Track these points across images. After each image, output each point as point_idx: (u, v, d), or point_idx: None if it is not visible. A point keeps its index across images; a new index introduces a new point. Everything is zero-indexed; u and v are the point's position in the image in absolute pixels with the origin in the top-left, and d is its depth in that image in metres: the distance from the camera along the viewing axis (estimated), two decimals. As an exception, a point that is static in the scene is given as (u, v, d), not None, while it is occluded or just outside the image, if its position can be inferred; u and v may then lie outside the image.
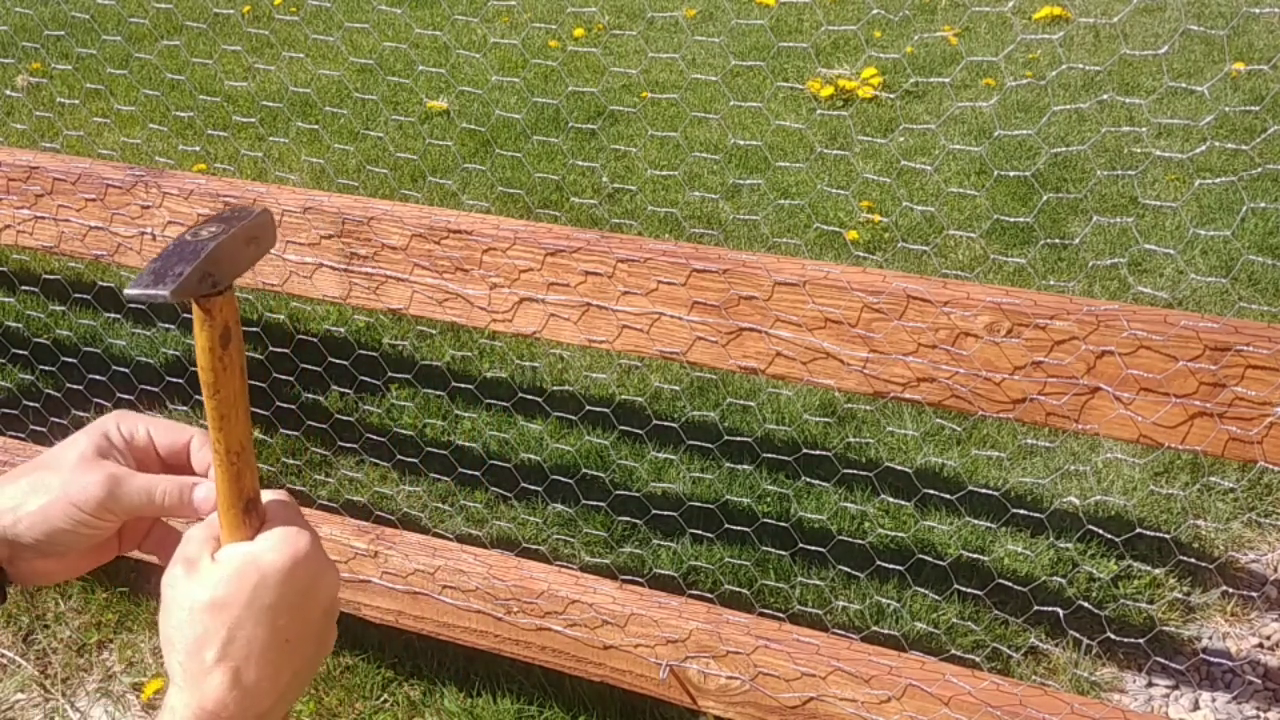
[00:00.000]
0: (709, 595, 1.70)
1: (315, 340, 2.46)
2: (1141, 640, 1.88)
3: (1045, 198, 3.30)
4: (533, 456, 2.27)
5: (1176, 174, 3.49)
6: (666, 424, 2.32)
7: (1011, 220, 3.08)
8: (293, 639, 0.67)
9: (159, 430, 0.77)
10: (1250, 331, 1.06)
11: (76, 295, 2.76)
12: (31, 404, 2.28)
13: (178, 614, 0.65)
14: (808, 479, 2.17)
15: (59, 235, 1.57)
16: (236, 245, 0.69)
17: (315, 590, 0.69)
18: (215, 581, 0.66)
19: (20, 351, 2.51)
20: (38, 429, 2.19)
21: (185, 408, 2.36)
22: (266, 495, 0.71)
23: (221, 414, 0.69)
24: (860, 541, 2.00)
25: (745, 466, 2.21)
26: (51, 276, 2.87)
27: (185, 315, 2.58)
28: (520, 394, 2.35)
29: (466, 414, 2.38)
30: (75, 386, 2.23)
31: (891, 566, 1.90)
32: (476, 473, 2.12)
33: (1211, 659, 1.89)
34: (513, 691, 1.80)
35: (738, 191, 3.39)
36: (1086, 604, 1.93)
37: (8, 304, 2.79)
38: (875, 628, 1.85)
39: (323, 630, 0.70)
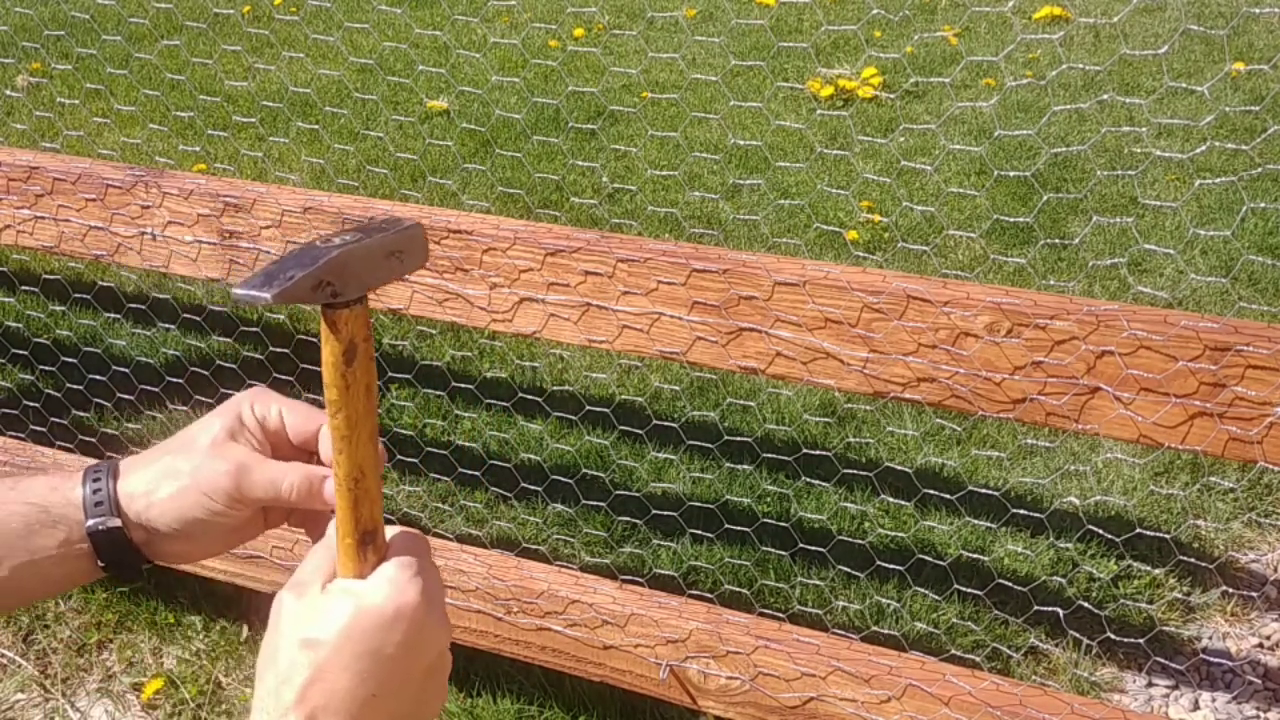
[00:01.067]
0: (709, 595, 1.70)
1: (315, 340, 2.45)
2: (1141, 640, 1.88)
3: (1045, 198, 3.30)
4: (533, 456, 2.27)
5: (1176, 174, 3.49)
6: (666, 424, 2.31)
7: (1011, 220, 3.08)
8: (380, 694, 0.63)
9: (292, 413, 0.75)
10: (1250, 331, 1.06)
11: (76, 295, 2.76)
12: (31, 404, 2.28)
13: (272, 643, 0.63)
14: (808, 479, 2.17)
15: (59, 235, 1.57)
16: (371, 256, 0.64)
17: (417, 645, 0.63)
18: (314, 616, 0.62)
19: (20, 351, 2.51)
20: (38, 429, 2.19)
21: (185, 408, 2.36)
22: (392, 529, 0.67)
23: (342, 435, 0.64)
24: (860, 541, 2.00)
25: (745, 466, 2.21)
26: (51, 276, 2.87)
27: (185, 315, 2.59)
28: (520, 394, 2.35)
29: (466, 414, 2.38)
30: (75, 386, 2.23)
31: (891, 566, 1.90)
32: (476, 473, 2.12)
33: (1211, 659, 1.89)
34: (513, 691, 1.80)
35: (738, 191, 3.39)
36: (1086, 604, 1.93)
37: (8, 304, 2.79)
38: (875, 628, 1.85)
39: (422, 690, 0.65)
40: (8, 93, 4.22)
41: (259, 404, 0.75)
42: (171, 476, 0.72)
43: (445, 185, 3.38)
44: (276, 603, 0.64)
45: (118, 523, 0.72)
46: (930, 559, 1.91)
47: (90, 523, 0.72)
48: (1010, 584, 1.89)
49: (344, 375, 0.63)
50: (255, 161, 3.54)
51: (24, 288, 2.79)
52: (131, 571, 0.75)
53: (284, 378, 2.29)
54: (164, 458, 0.73)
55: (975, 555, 2.02)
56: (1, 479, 0.74)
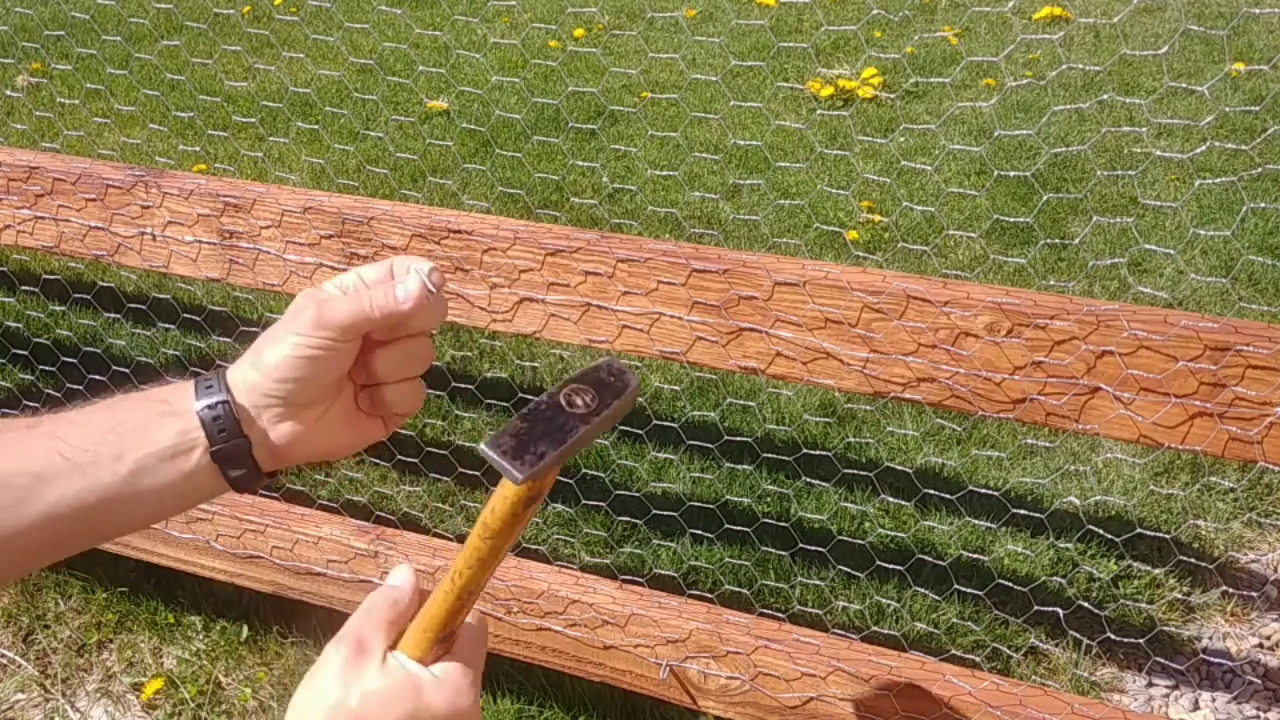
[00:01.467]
0: (709, 595, 1.70)
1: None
2: (1141, 640, 1.88)
3: (1045, 198, 3.30)
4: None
5: (1176, 174, 3.49)
6: (666, 424, 2.31)
7: (1011, 220, 3.08)
8: None
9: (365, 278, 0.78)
10: (1250, 331, 1.06)
11: (76, 295, 2.76)
12: (31, 404, 2.28)
13: (318, 694, 0.64)
14: (808, 479, 2.17)
15: (59, 235, 1.57)
16: (601, 427, 0.66)
17: None
18: (370, 691, 0.64)
19: (20, 351, 2.51)
20: (38, 429, 2.18)
21: (185, 408, 2.36)
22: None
23: (482, 558, 0.66)
24: (860, 541, 2.00)
25: (745, 466, 2.21)
26: (51, 276, 2.87)
27: (185, 315, 2.59)
28: (520, 394, 2.35)
29: (466, 414, 2.38)
30: (75, 386, 2.23)
31: (891, 566, 1.90)
32: (476, 473, 2.12)
33: (1211, 659, 1.89)
34: (513, 691, 1.80)
35: (738, 191, 3.39)
36: (1086, 604, 1.93)
37: (8, 304, 2.79)
38: (875, 628, 1.85)
39: None
40: (8, 93, 4.22)
41: (329, 283, 0.79)
42: (264, 340, 0.75)
43: (445, 185, 3.38)
44: (331, 653, 0.66)
45: (224, 397, 0.74)
46: (930, 559, 1.91)
47: (199, 404, 0.74)
48: (1010, 584, 1.89)
49: (517, 515, 0.66)
50: (255, 161, 3.54)
51: (24, 288, 2.79)
52: (242, 465, 0.76)
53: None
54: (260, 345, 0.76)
55: (975, 555, 2.02)
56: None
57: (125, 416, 0.74)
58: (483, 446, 0.64)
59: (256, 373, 0.75)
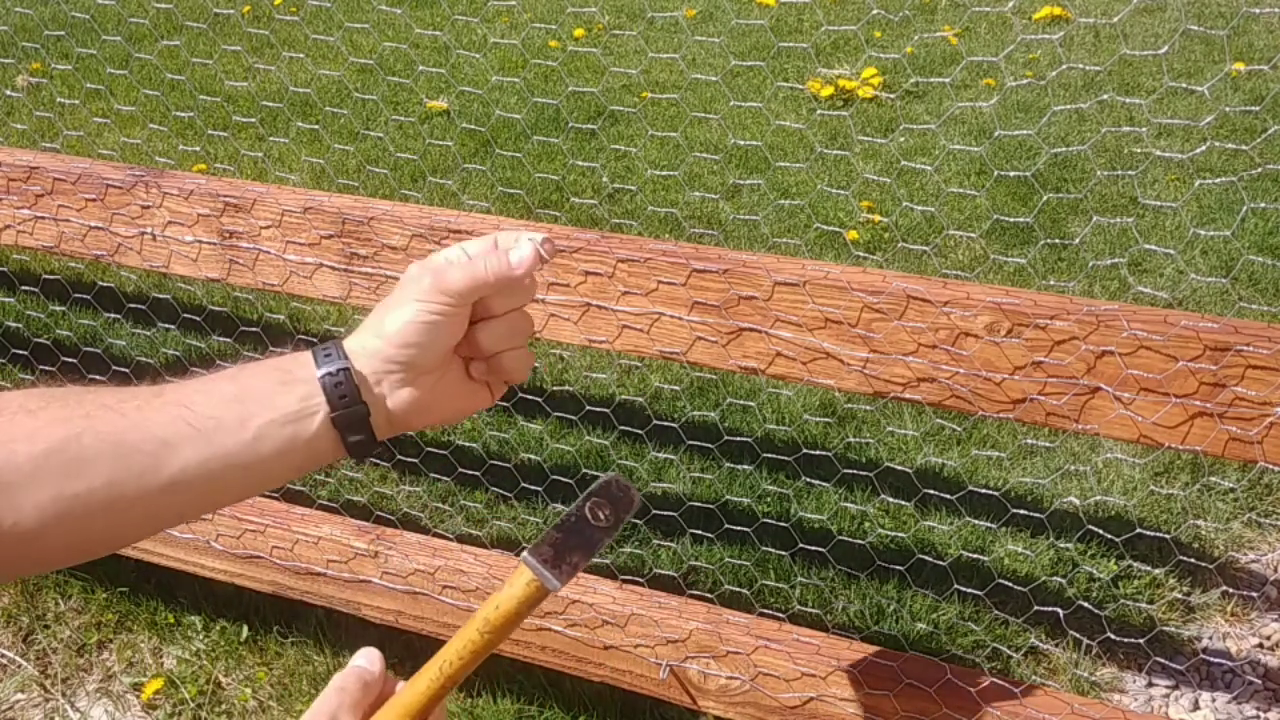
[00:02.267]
0: (709, 595, 1.70)
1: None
2: (1141, 640, 1.88)
3: (1045, 198, 3.30)
4: (533, 456, 2.27)
5: (1176, 174, 3.49)
6: (666, 424, 2.31)
7: (1011, 220, 3.08)
8: None
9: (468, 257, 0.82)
10: (1250, 331, 1.06)
11: (76, 295, 2.76)
12: (31, 404, 2.27)
13: None
14: (808, 479, 2.17)
15: (59, 235, 1.57)
16: (612, 536, 0.76)
17: None
18: None
19: (20, 351, 2.51)
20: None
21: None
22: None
23: (476, 651, 0.75)
24: (860, 541, 2.00)
25: (745, 466, 2.21)
26: (51, 276, 2.87)
27: (185, 315, 2.59)
28: (520, 394, 2.35)
29: (466, 414, 2.38)
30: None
31: (891, 566, 1.90)
32: (476, 473, 2.12)
33: (1211, 659, 1.89)
34: (513, 691, 1.80)
35: (738, 191, 3.39)
36: (1086, 604, 1.93)
37: (8, 304, 2.79)
38: (875, 628, 1.85)
39: None
40: (8, 93, 4.22)
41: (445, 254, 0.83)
42: (383, 309, 0.80)
43: (445, 185, 3.38)
44: (325, 710, 0.70)
45: (344, 364, 0.78)
46: (930, 559, 1.91)
47: (321, 371, 0.78)
48: (1010, 584, 1.89)
49: (520, 616, 0.74)
50: (255, 161, 3.54)
51: (24, 288, 2.79)
52: (360, 431, 0.79)
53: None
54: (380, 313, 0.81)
55: (975, 555, 2.02)
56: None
57: (248, 384, 0.77)
58: (526, 556, 0.73)
59: (379, 340, 0.78)
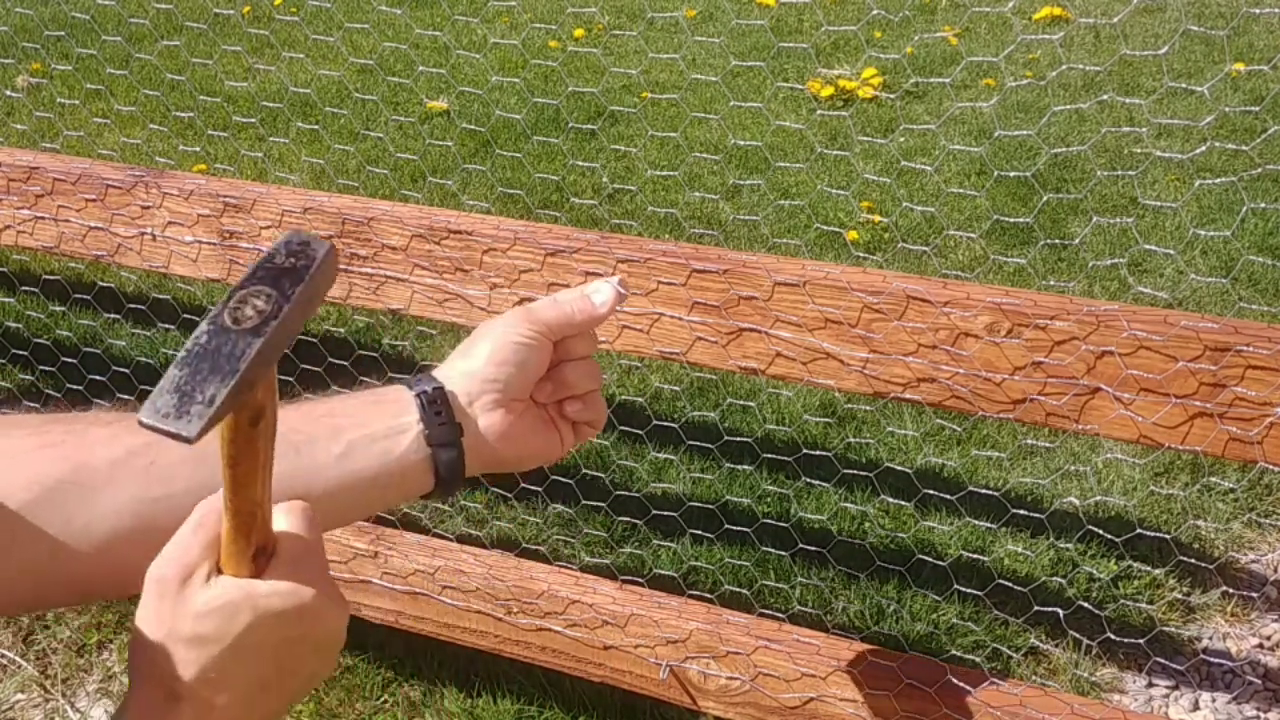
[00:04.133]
0: (709, 595, 1.70)
1: (315, 340, 2.46)
2: (1141, 640, 1.88)
3: (1045, 198, 3.30)
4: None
5: (1176, 174, 3.49)
6: (666, 424, 2.31)
7: (1011, 220, 3.08)
8: (274, 685, 0.62)
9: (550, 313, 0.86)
10: (1250, 332, 1.06)
11: (76, 295, 2.76)
12: (31, 404, 2.28)
13: (152, 628, 0.60)
14: (808, 479, 2.17)
15: (59, 235, 1.57)
16: (293, 320, 0.55)
17: (313, 635, 0.63)
18: (201, 613, 0.60)
19: (20, 352, 2.51)
20: (38, 429, 2.18)
21: (185, 408, 2.36)
22: (281, 515, 0.64)
23: (237, 482, 0.60)
24: (860, 541, 2.00)
25: (745, 466, 2.21)
26: (51, 276, 2.87)
27: (185, 315, 2.59)
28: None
29: (466, 414, 2.38)
30: (75, 387, 2.23)
31: (891, 567, 1.90)
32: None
33: (1211, 659, 1.89)
34: (513, 692, 1.80)
35: (738, 191, 3.39)
36: (1086, 604, 1.93)
37: (8, 304, 2.79)
38: (875, 628, 1.85)
39: (315, 669, 0.66)
40: (8, 93, 4.22)
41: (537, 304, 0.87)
42: (473, 339, 0.83)
43: (445, 185, 3.38)
44: (158, 577, 0.60)
45: (438, 383, 0.80)
46: (930, 559, 1.91)
47: (415, 390, 0.80)
48: (1010, 584, 1.89)
49: (248, 436, 0.58)
50: (255, 162, 3.53)
51: (24, 288, 2.79)
52: (453, 447, 0.79)
53: (284, 378, 2.29)
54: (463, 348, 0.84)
55: (975, 555, 2.02)
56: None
57: (339, 404, 0.79)
58: (141, 419, 0.53)
59: (473, 361, 0.81)
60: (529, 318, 0.82)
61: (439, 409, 0.78)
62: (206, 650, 0.60)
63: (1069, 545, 2.02)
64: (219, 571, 0.61)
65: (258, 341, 0.53)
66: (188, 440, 0.52)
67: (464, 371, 0.81)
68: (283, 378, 2.20)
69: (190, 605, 0.60)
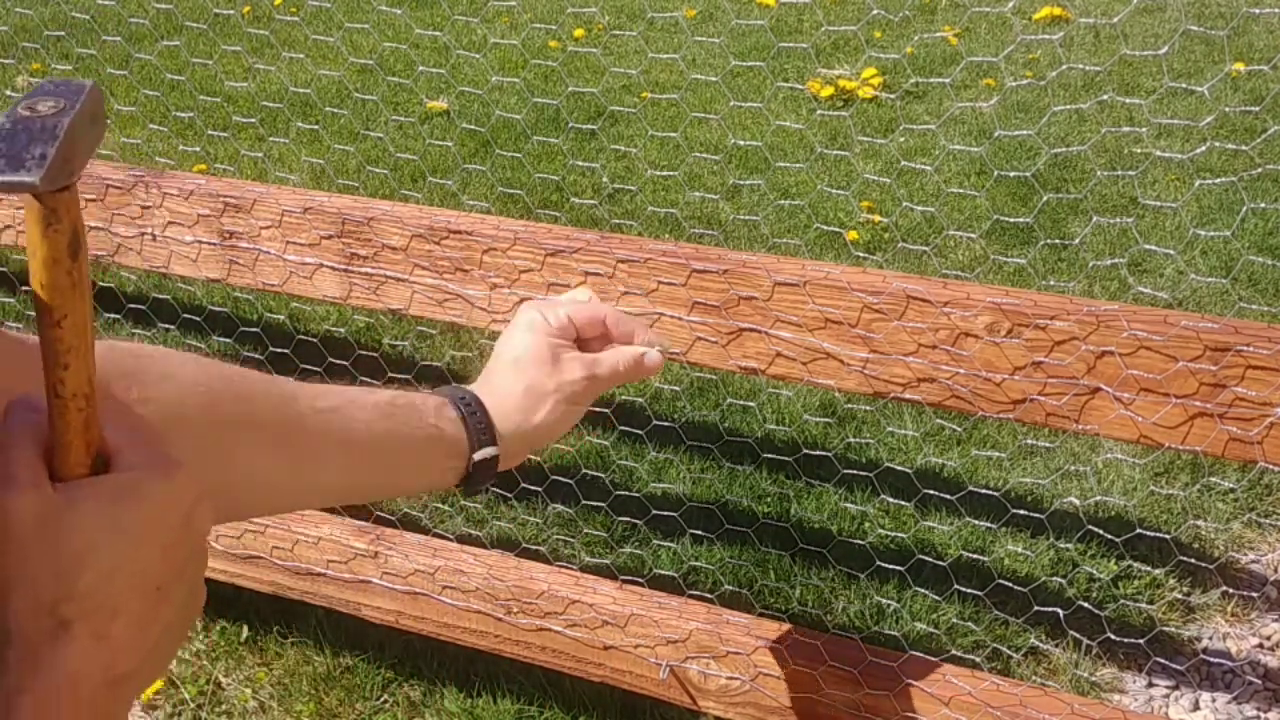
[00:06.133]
0: (709, 595, 1.70)
1: (315, 340, 2.45)
2: (1141, 640, 1.88)
3: (1045, 198, 3.30)
4: (532, 457, 2.27)
5: (1176, 174, 3.49)
6: (666, 424, 2.31)
7: (1011, 220, 3.08)
8: (165, 585, 0.53)
9: (575, 313, 0.99)
10: (1250, 332, 1.06)
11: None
12: (31, 404, 2.27)
13: (21, 555, 0.50)
14: (808, 479, 2.17)
15: (59, 235, 1.57)
16: (84, 125, 0.52)
17: (190, 523, 0.55)
18: (70, 526, 0.50)
19: (20, 352, 2.51)
20: (38, 429, 2.18)
21: (185, 408, 2.36)
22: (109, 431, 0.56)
23: (68, 346, 0.54)
24: (860, 542, 2.00)
25: (745, 466, 2.21)
26: (51, 277, 2.87)
27: (185, 315, 2.58)
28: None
29: (466, 414, 2.38)
30: (75, 387, 2.22)
31: (891, 567, 1.90)
32: (476, 473, 2.12)
33: (1211, 659, 1.89)
34: (513, 692, 1.80)
35: (738, 191, 3.39)
36: (1086, 604, 1.93)
37: (8, 304, 2.78)
38: (875, 628, 1.85)
39: (195, 578, 0.56)
40: (8, 93, 4.22)
41: (549, 313, 0.97)
42: (532, 397, 0.95)
43: (445, 185, 3.38)
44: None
45: (473, 389, 0.94)
46: (930, 559, 1.91)
47: (455, 394, 0.91)
48: (1010, 584, 1.89)
49: (69, 273, 0.54)
50: (255, 162, 3.53)
51: (24, 288, 2.79)
52: (482, 419, 0.91)
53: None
54: (519, 381, 0.95)
55: (975, 555, 2.02)
56: None
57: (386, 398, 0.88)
58: None
59: (524, 423, 0.94)
60: (591, 386, 0.96)
61: (468, 401, 0.90)
62: (92, 561, 0.50)
63: (1069, 545, 2.02)
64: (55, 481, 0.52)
65: (65, 119, 0.50)
66: (34, 185, 0.48)
67: (515, 430, 0.93)
68: (283, 378, 2.17)
69: (60, 521, 0.51)
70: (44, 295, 0.54)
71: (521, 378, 0.94)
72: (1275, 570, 2.07)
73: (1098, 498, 2.16)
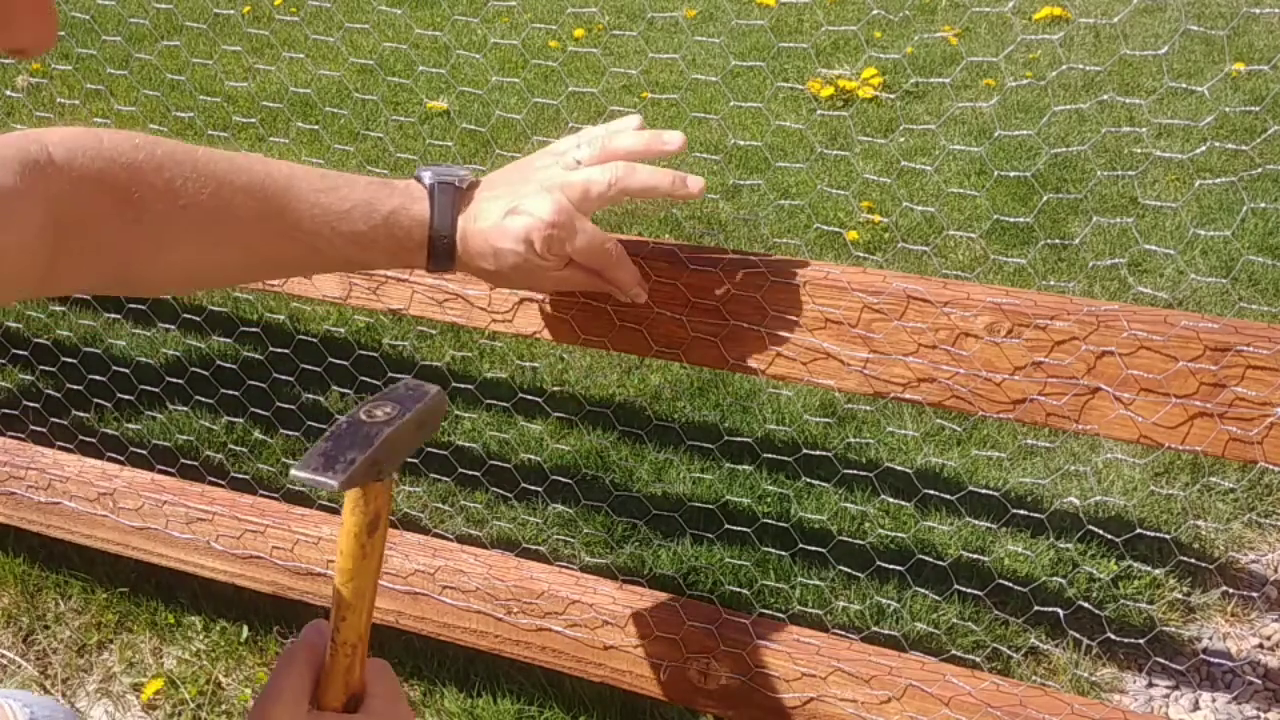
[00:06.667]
0: (709, 595, 1.70)
1: (315, 340, 2.46)
2: (1141, 640, 1.88)
3: (1045, 198, 3.30)
4: (533, 456, 2.27)
5: (1176, 174, 3.49)
6: (666, 424, 2.31)
7: (1011, 220, 3.08)
8: None
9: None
10: (1250, 331, 1.06)
11: (76, 295, 2.76)
12: (31, 404, 2.28)
13: None
14: (808, 479, 2.17)
15: (59, 235, 1.57)
16: (409, 432, 0.66)
17: None
18: None
19: (20, 352, 2.51)
20: (38, 429, 2.18)
21: (185, 407, 2.36)
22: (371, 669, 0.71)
23: (350, 604, 0.66)
24: (860, 541, 2.00)
25: (745, 466, 2.21)
26: (51, 277, 2.87)
27: (185, 315, 2.59)
28: (520, 394, 2.35)
29: (466, 414, 2.38)
30: (75, 387, 2.23)
31: (891, 567, 1.90)
32: (476, 473, 2.12)
33: (1211, 659, 1.89)
34: (513, 692, 1.80)
35: (738, 191, 3.39)
36: (1086, 604, 1.93)
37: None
38: (875, 628, 1.85)
39: None
40: (8, 93, 4.22)
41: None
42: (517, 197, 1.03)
43: (445, 185, 3.37)
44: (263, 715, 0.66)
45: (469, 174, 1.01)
46: (930, 559, 1.91)
47: (425, 174, 0.98)
48: (1010, 584, 1.89)
49: (363, 546, 0.66)
50: (255, 162, 3.53)
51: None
52: (445, 249, 0.98)
53: (284, 378, 2.29)
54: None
55: (975, 555, 2.02)
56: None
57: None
58: (293, 472, 0.64)
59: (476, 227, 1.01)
60: (583, 206, 1.02)
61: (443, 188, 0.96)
62: None
63: (1069, 545, 2.02)
64: (316, 705, 0.68)
65: (387, 430, 0.65)
66: (332, 487, 0.62)
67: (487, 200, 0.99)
68: (284, 378, 2.20)
69: None
70: (340, 559, 0.67)
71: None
72: (1275, 570, 2.07)
73: (1098, 498, 2.16)
